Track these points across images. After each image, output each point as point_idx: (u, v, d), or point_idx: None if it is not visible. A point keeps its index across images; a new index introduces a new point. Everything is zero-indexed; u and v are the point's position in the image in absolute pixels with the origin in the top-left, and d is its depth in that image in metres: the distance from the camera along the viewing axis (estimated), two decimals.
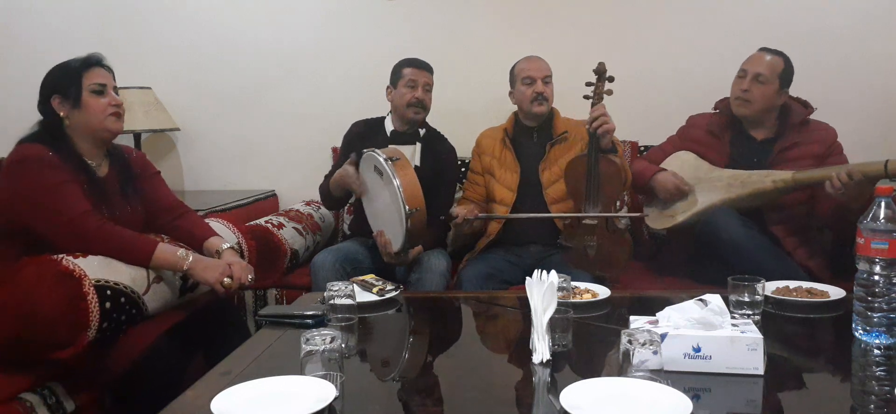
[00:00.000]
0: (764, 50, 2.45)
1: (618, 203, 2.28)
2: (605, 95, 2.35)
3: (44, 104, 1.85)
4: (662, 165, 2.55)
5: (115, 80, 1.92)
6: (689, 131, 2.61)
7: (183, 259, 1.82)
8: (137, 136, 3.16)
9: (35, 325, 1.56)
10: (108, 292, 1.65)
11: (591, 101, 2.36)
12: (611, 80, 2.36)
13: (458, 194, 2.80)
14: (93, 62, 1.86)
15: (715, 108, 2.59)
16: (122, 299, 1.69)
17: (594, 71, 2.37)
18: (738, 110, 2.44)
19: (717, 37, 3.03)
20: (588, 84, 2.38)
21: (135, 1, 3.30)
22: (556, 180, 2.51)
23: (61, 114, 1.83)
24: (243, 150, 3.34)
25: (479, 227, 2.57)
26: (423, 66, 2.59)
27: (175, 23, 3.30)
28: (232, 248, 1.97)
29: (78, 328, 1.59)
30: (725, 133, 2.51)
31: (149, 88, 3.16)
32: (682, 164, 2.50)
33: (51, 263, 1.60)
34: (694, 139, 2.56)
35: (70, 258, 1.63)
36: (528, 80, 2.52)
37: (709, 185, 2.39)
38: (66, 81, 1.83)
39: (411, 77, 2.55)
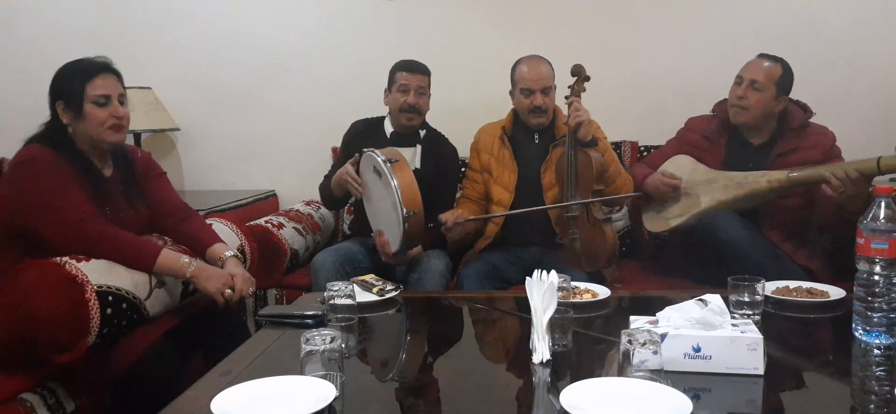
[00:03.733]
0: (762, 56, 2.42)
1: (592, 195, 2.31)
2: (582, 94, 2.41)
3: (52, 106, 1.84)
4: (661, 168, 2.54)
5: (122, 85, 1.87)
6: (687, 135, 2.60)
7: (186, 266, 1.81)
8: (137, 135, 3.16)
9: (35, 327, 1.55)
10: (110, 298, 1.64)
11: (568, 99, 2.40)
12: (587, 79, 2.42)
13: (458, 194, 2.77)
14: (97, 70, 1.82)
15: (712, 112, 2.58)
16: (124, 305, 1.68)
17: (571, 72, 2.42)
18: (736, 118, 2.43)
19: (717, 36, 3.03)
20: (569, 87, 2.43)
21: (135, 1, 3.30)
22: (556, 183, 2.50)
23: (64, 121, 1.82)
24: (243, 150, 3.34)
25: (477, 228, 2.55)
26: (417, 69, 2.54)
27: (175, 23, 3.29)
28: (235, 256, 1.95)
29: (78, 334, 1.58)
30: (721, 137, 2.49)
31: (149, 88, 3.16)
32: (678, 167, 2.50)
33: (53, 266, 1.59)
34: (691, 143, 2.55)
35: (73, 262, 1.62)
36: (527, 91, 2.47)
37: (705, 188, 2.38)
38: (70, 90, 1.80)
39: (403, 82, 2.51)
